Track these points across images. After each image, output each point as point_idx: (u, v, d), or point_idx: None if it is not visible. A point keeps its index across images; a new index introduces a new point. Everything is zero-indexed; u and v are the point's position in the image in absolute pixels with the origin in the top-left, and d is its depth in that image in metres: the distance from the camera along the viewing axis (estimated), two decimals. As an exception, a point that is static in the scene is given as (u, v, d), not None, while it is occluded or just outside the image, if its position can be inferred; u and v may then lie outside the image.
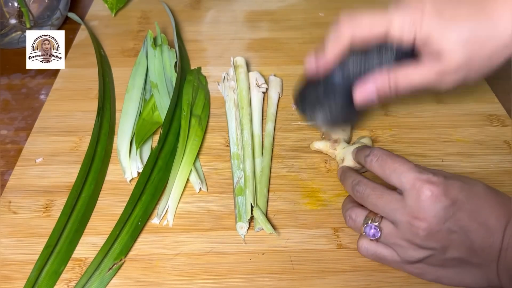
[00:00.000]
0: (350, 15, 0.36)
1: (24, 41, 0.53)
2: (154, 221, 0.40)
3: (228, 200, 0.42)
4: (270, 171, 0.44)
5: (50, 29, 0.59)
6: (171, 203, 0.41)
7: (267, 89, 0.51)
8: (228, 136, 0.47)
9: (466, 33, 0.33)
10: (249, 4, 0.67)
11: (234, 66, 0.51)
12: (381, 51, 0.37)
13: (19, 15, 0.57)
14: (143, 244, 0.39)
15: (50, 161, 0.45)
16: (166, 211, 0.41)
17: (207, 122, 0.49)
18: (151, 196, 0.41)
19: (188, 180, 0.43)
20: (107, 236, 0.37)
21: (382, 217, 0.34)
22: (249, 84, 0.50)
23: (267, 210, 0.41)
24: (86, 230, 0.39)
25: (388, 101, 0.49)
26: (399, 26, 0.35)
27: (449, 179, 0.32)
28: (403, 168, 0.32)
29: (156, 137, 0.47)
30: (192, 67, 0.56)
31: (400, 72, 0.36)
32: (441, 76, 0.35)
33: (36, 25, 0.58)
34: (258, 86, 0.50)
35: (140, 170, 0.43)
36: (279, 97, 0.51)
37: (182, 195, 0.42)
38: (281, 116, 0.50)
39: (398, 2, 0.36)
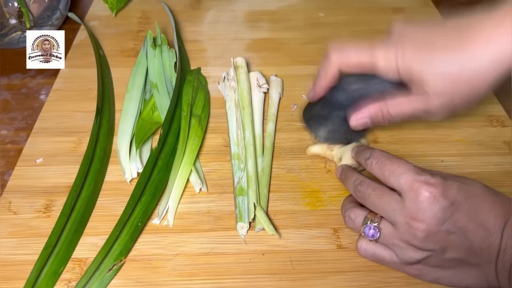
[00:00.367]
0: (339, 46, 0.40)
1: (24, 41, 0.53)
2: (154, 221, 0.40)
3: (228, 201, 0.42)
4: (271, 171, 0.44)
5: (50, 29, 0.59)
6: (171, 203, 0.41)
7: (268, 89, 0.51)
8: (229, 136, 0.47)
9: (444, 64, 0.35)
10: (249, 4, 0.67)
11: (234, 67, 0.51)
12: (374, 79, 0.39)
13: (19, 15, 0.57)
14: (143, 245, 0.39)
15: (50, 161, 0.45)
16: (166, 211, 0.41)
17: (207, 122, 0.49)
18: (151, 196, 0.41)
19: (188, 180, 0.43)
20: (107, 236, 0.38)
21: (381, 218, 0.34)
22: (250, 84, 0.50)
23: (267, 210, 0.41)
24: (86, 230, 0.39)
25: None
26: (383, 59, 0.37)
27: (447, 179, 0.32)
28: (402, 169, 0.33)
29: (156, 137, 0.47)
30: (192, 68, 0.56)
31: (391, 102, 0.39)
32: (428, 105, 0.37)
33: (36, 25, 0.58)
34: (260, 86, 0.50)
35: (140, 170, 0.43)
36: (280, 98, 0.51)
37: (182, 195, 0.42)
38: (281, 116, 0.50)
39: (382, 38, 0.38)
